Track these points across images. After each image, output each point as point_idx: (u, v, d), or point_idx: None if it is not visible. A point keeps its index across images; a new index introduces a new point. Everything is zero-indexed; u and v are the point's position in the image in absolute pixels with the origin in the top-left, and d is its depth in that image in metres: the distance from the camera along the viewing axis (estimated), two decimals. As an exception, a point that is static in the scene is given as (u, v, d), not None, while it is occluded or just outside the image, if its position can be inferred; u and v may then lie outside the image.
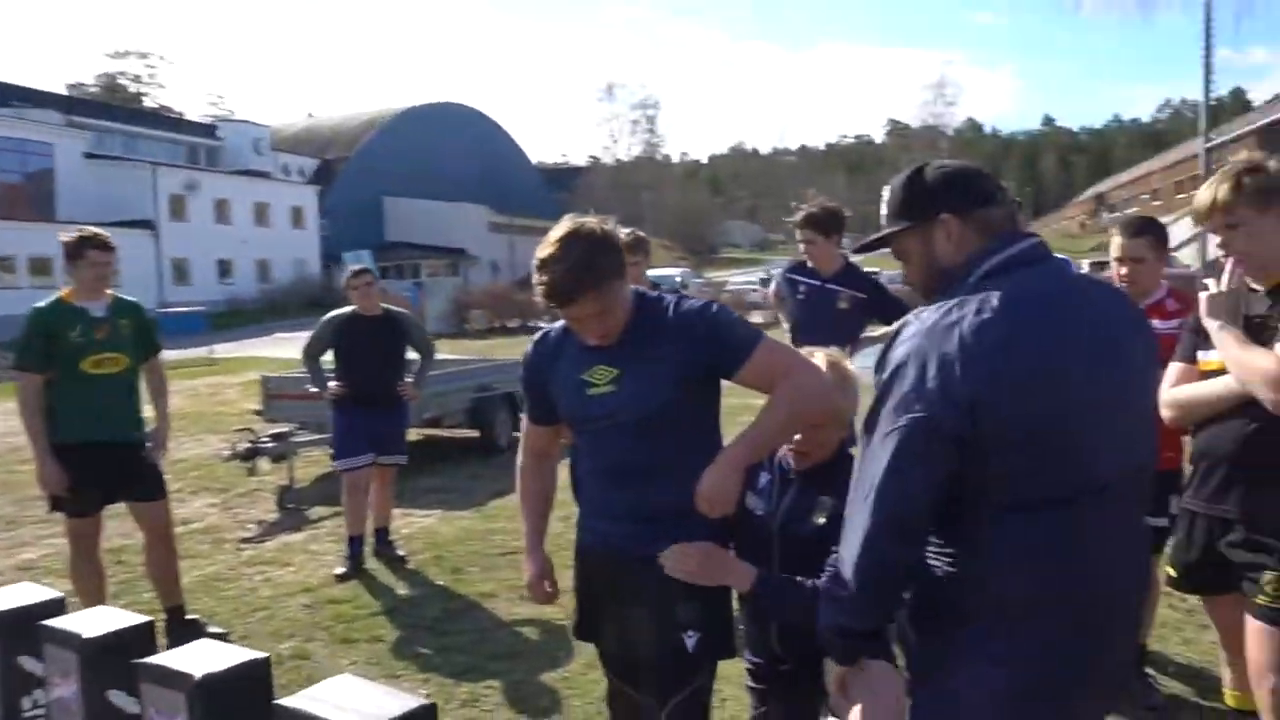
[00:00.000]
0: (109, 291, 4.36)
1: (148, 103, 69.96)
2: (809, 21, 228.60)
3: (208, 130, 52.69)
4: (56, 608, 1.89)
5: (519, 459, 2.63)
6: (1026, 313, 1.61)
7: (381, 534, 5.85)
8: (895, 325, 1.74)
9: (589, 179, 70.52)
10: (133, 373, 4.39)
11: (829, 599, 1.79)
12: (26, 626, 1.80)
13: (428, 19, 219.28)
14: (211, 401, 13.88)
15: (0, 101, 38.49)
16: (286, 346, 20.37)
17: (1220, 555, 2.49)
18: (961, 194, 1.75)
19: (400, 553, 5.76)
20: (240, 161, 47.87)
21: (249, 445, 7.40)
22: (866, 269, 4.90)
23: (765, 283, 32.27)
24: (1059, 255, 1.90)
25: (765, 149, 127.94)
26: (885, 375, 1.66)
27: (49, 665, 1.75)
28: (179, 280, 38.00)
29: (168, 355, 4.64)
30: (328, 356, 5.82)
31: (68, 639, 1.70)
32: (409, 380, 5.86)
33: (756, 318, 18.72)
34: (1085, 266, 16.17)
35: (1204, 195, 2.47)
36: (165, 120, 54.41)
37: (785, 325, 4.70)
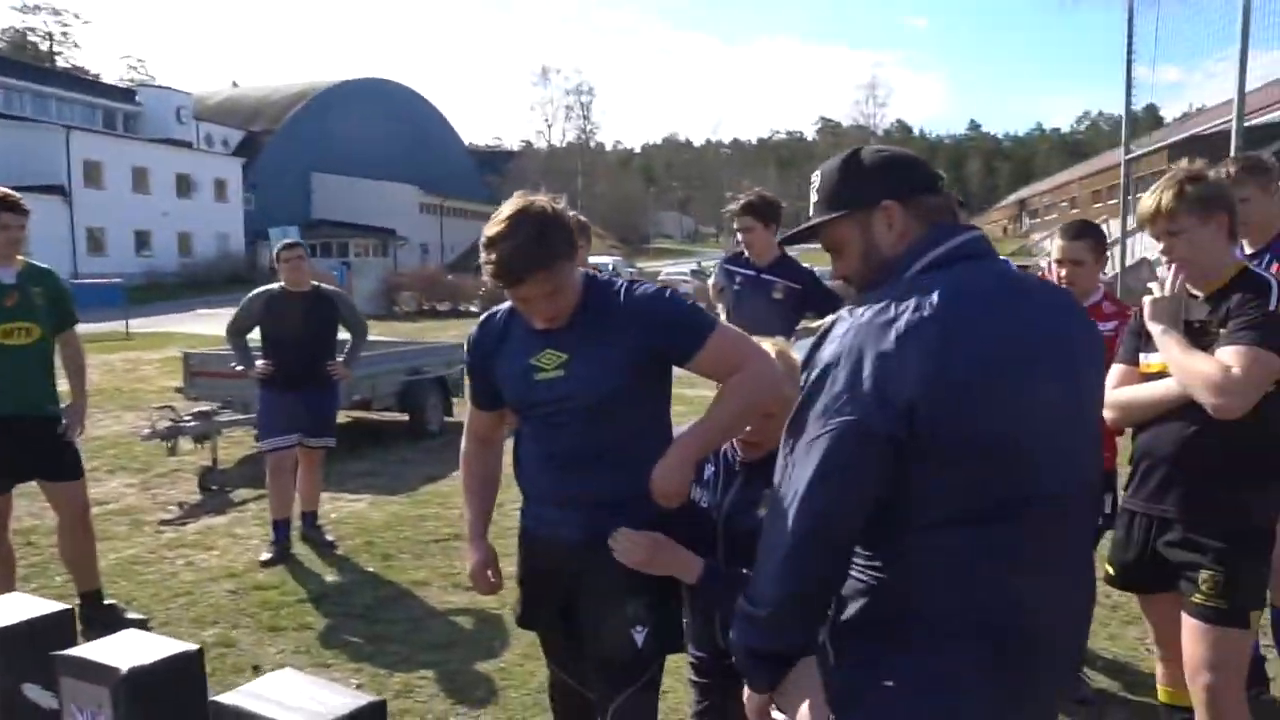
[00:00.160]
0: (20, 258, 4.12)
1: (60, 63, 66.88)
2: (747, 14, 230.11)
3: (126, 95, 50.75)
4: (-36, 595, 1.75)
5: (463, 444, 2.55)
6: (969, 310, 1.48)
7: (309, 518, 5.68)
8: (826, 321, 1.61)
9: (521, 163, 69.91)
10: (45, 344, 4.16)
11: (744, 618, 1.59)
12: (-72, 615, 1.66)
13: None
14: (128, 378, 13.35)
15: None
16: (209, 322, 19.76)
17: (1158, 554, 2.54)
18: (903, 179, 1.62)
19: (329, 538, 5.61)
20: (161, 129, 46.18)
21: (170, 424, 7.12)
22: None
23: (697, 274, 32.47)
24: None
25: (699, 141, 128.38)
26: (813, 375, 1.51)
27: (-46, 657, 1.62)
28: (94, 250, 36.59)
29: (80, 329, 4.41)
30: (254, 334, 5.62)
31: (-24, 628, 1.58)
32: (340, 360, 5.69)
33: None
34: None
35: (1148, 202, 2.51)
36: (80, 82, 52.04)
37: (723, 317, 4.69)
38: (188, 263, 39.98)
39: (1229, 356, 2.30)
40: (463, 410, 2.57)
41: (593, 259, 31.49)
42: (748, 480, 2.32)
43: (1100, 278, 3.64)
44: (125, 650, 1.43)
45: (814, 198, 1.70)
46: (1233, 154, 6.96)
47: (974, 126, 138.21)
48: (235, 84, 64.25)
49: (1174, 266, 2.51)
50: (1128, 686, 3.70)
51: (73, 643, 1.53)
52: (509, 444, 2.50)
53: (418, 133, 58.46)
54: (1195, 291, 2.52)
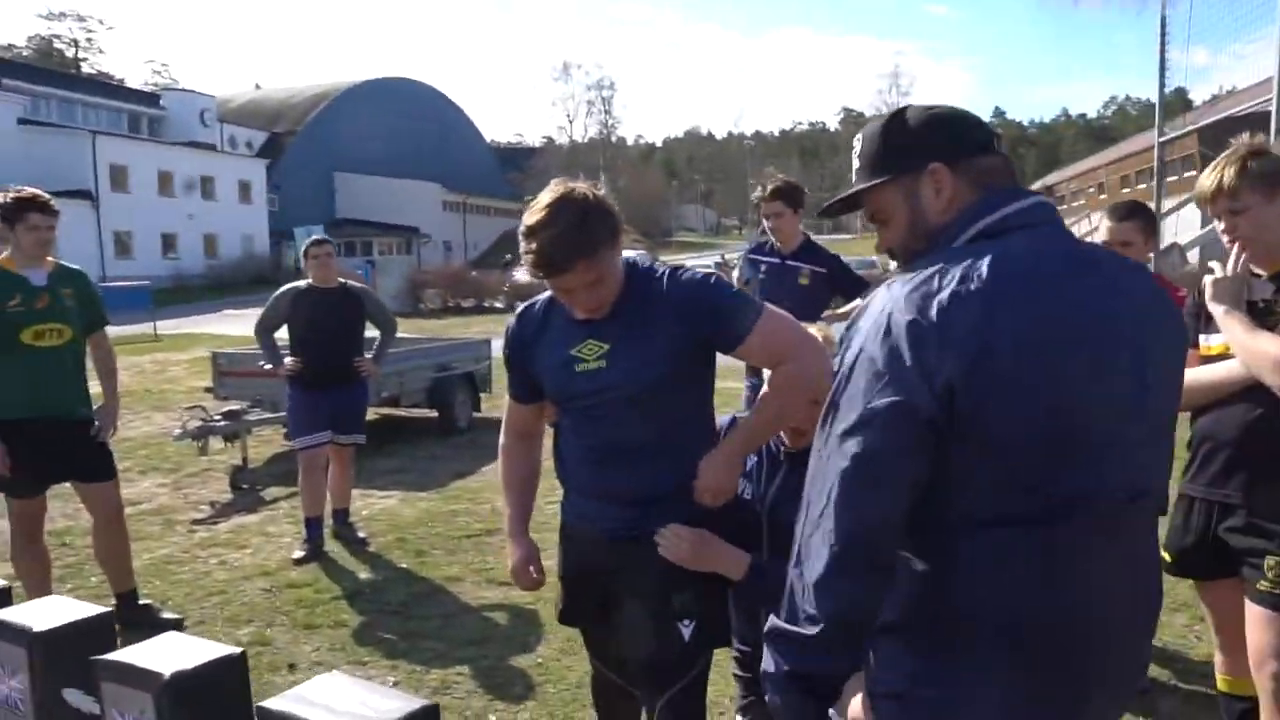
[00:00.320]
0: (50, 259, 4.11)
1: (85, 69, 67.63)
2: (764, 6, 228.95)
3: (151, 99, 51.13)
4: (2, 598, 1.72)
5: (501, 439, 2.50)
6: (1023, 285, 1.30)
7: (341, 515, 5.67)
8: (865, 299, 1.46)
9: (543, 159, 69.97)
10: (77, 345, 4.15)
11: (786, 640, 1.37)
12: (-33, 619, 1.63)
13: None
14: (158, 379, 13.46)
15: (-77, 64, 37.02)
16: (235, 323, 19.90)
17: (1218, 540, 2.46)
18: (953, 139, 1.46)
19: (361, 535, 5.59)
20: (185, 132, 46.52)
21: (200, 423, 7.16)
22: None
23: (720, 267, 32.32)
24: None
25: (721, 133, 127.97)
26: (848, 355, 1.35)
27: (-6, 661, 1.59)
28: (121, 254, 36.95)
29: (109, 331, 4.41)
30: (282, 332, 5.61)
31: (17, 633, 1.54)
32: (368, 356, 5.67)
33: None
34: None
35: (1208, 180, 2.41)
36: (105, 87, 52.57)
37: None
38: (213, 264, 40.29)
39: None
40: (491, 406, 2.52)
41: (615, 253, 32.03)
42: (792, 469, 2.27)
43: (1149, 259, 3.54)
44: (167, 654, 1.39)
45: (855, 164, 1.54)
46: (1273, 134, 6.80)
47: (998, 114, 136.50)
48: (258, 86, 64.72)
49: (1236, 245, 2.42)
50: (1178, 675, 3.60)
51: (113, 646, 1.50)
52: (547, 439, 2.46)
53: (439, 130, 58.58)
54: (1259, 270, 2.43)
